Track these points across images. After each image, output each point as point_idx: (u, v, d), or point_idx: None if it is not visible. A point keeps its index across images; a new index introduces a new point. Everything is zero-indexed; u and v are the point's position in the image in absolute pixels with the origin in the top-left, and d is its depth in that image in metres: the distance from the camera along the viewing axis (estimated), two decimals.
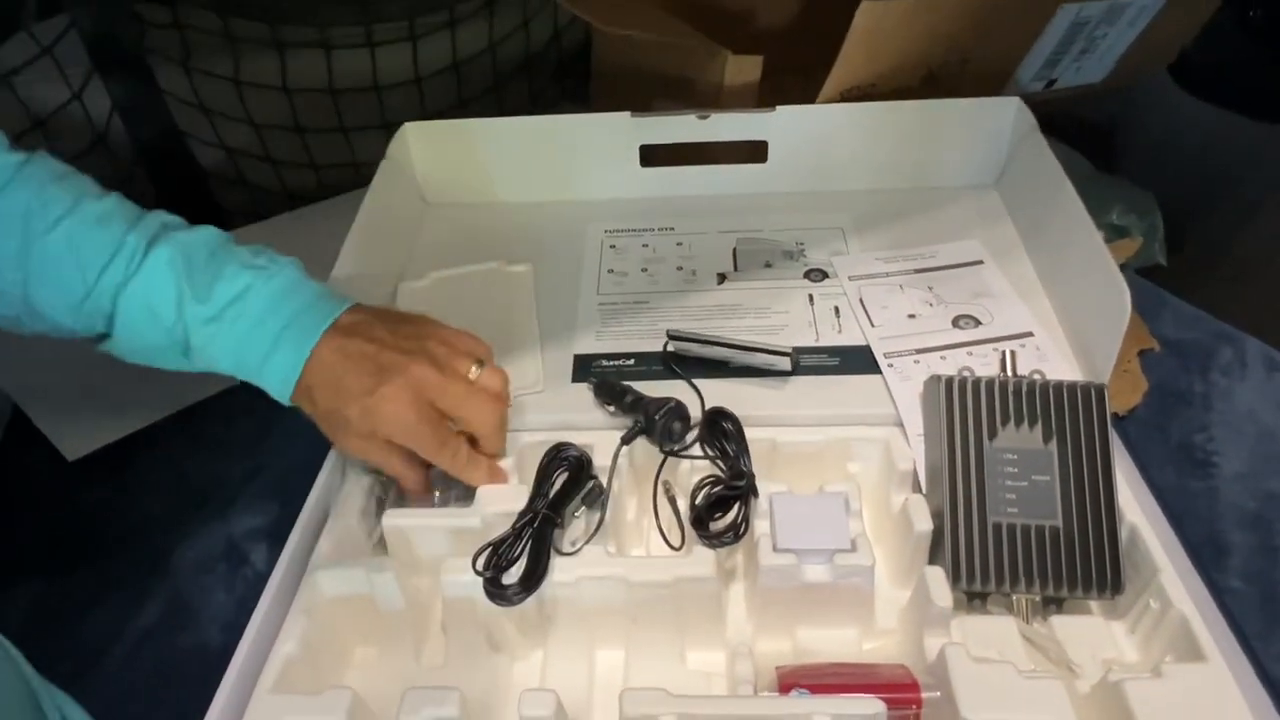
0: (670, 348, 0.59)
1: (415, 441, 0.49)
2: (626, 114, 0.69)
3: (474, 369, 0.50)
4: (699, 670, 0.48)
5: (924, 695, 0.43)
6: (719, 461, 0.51)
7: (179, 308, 0.46)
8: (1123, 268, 0.75)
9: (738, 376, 0.57)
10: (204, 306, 0.47)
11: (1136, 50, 0.77)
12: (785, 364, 0.56)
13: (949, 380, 0.51)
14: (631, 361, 0.60)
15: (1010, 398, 0.50)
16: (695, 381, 0.56)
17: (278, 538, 0.50)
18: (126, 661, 0.53)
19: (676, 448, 0.52)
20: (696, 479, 0.50)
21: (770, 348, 0.56)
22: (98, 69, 0.82)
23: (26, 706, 0.37)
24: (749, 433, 0.52)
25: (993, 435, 0.50)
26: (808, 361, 0.58)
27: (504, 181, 0.74)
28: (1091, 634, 0.47)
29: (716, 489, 0.49)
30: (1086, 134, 0.88)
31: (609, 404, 0.55)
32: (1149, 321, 0.68)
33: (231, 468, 0.62)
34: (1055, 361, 0.56)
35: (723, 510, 0.49)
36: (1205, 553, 0.53)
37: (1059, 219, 0.61)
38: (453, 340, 0.51)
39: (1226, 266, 0.88)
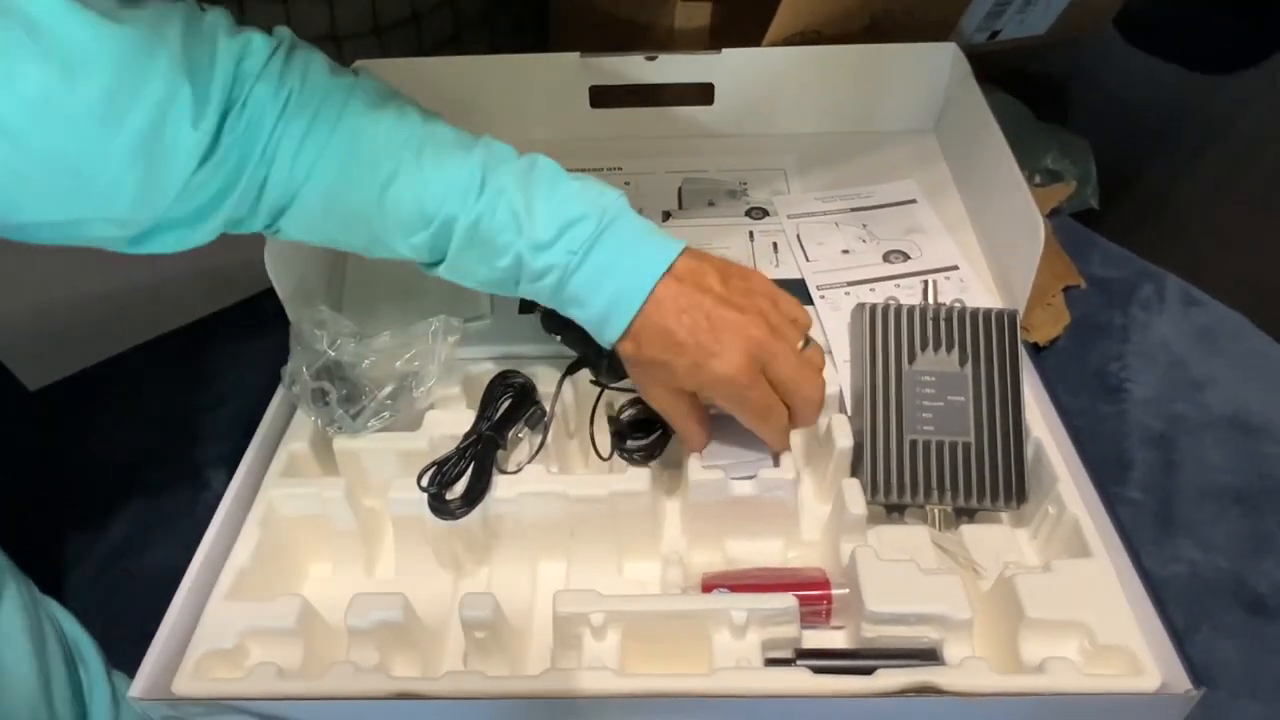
0: None
1: (741, 405, 0.46)
2: (576, 55, 0.71)
3: (800, 341, 0.47)
4: (634, 579, 0.51)
5: (834, 592, 0.46)
6: None
7: (514, 239, 0.45)
8: (1056, 210, 0.78)
9: None
10: (538, 236, 0.45)
11: (1080, 3, 0.79)
12: None
13: (873, 308, 0.54)
14: None
15: (929, 324, 0.53)
16: None
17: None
18: (95, 579, 0.55)
19: (615, 383, 0.54)
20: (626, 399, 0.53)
21: None
22: None
23: (28, 612, 0.41)
24: None
25: (912, 359, 0.53)
26: None
27: (454, 120, 0.73)
28: (997, 541, 0.50)
29: (639, 410, 0.52)
30: (1033, 85, 0.90)
31: (556, 334, 0.58)
32: (1078, 261, 0.71)
33: (196, 396, 0.64)
34: (976, 292, 0.59)
35: (646, 432, 0.52)
36: (1110, 468, 0.56)
37: (987, 160, 0.63)
38: (782, 303, 0.48)
39: (1163, 214, 0.91)
